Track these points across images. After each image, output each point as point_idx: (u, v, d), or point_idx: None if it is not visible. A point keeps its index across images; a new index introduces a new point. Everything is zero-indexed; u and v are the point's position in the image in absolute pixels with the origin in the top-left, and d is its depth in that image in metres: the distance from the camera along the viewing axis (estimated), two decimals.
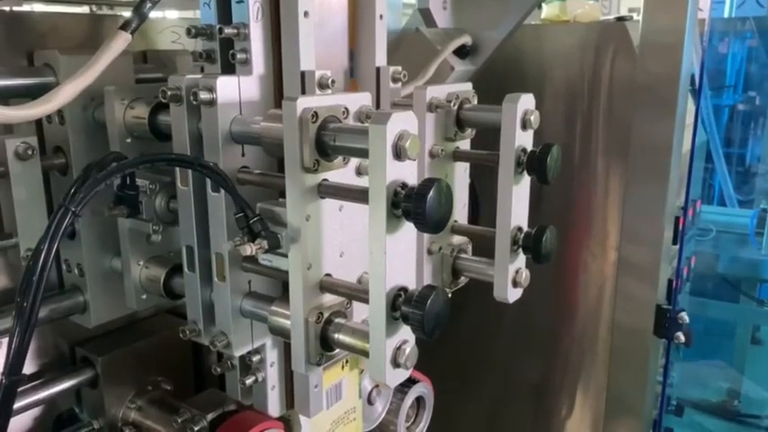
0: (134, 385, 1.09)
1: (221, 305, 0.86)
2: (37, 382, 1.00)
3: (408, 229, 0.69)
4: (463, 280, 1.05)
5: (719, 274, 3.37)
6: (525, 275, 0.98)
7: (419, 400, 1.34)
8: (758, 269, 3.37)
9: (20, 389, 0.70)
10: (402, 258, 0.70)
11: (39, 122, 0.97)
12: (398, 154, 0.66)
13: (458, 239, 1.05)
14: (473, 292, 1.06)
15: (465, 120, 0.98)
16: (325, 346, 0.77)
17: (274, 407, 0.96)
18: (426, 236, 0.98)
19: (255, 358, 0.92)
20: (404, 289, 0.71)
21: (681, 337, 1.38)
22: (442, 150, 0.97)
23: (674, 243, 1.48)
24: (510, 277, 0.96)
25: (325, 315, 0.77)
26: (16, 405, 0.72)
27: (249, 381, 0.92)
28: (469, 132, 1.01)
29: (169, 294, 0.96)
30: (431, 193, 0.66)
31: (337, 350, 0.78)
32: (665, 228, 1.39)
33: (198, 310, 0.88)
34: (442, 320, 0.71)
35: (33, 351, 1.05)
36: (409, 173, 0.68)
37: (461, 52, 1.43)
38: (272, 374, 0.94)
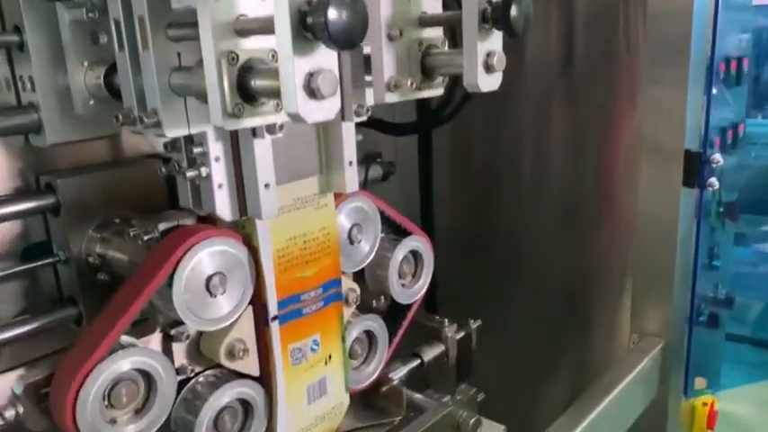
0: (99, 216, 1.04)
1: (148, 78, 0.79)
2: None
3: None
4: (440, 80, 0.94)
5: None
6: (499, 58, 0.86)
7: (416, 256, 1.25)
8: None
9: None
10: None
11: None
12: None
13: (430, 33, 0.93)
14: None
15: None
16: (243, 94, 0.69)
17: (224, 208, 0.88)
18: (383, 21, 0.88)
19: (197, 150, 0.85)
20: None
21: (715, 183, 1.22)
22: None
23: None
24: (481, 60, 0.85)
25: (242, 58, 0.69)
26: None
27: (191, 173, 0.85)
28: None
29: (111, 92, 0.90)
30: None
31: (260, 102, 0.70)
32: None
33: (131, 93, 0.82)
34: (360, 29, 0.61)
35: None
36: None
37: None
38: (219, 170, 0.86)
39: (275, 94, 0.66)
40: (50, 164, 1.05)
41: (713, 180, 1.22)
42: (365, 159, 1.60)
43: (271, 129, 0.82)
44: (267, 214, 0.88)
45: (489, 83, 0.87)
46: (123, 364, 0.82)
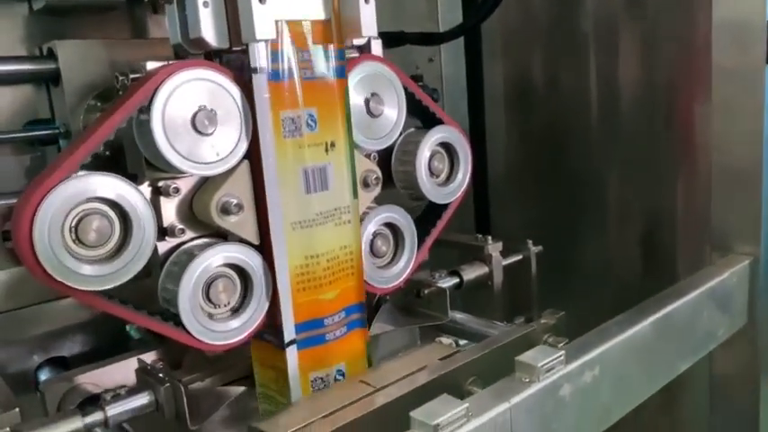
0: (101, 85, 0.98)
1: None
2: None
3: None
4: None
5: None
6: None
7: (450, 150, 1.11)
8: None
9: None
10: None
11: None
12: None
13: None
14: None
15: None
16: None
17: (209, 31, 0.79)
18: None
19: None
20: None
21: None
22: None
23: None
24: None
25: None
26: None
27: None
28: None
29: None
30: None
31: None
32: None
33: None
34: None
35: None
36: None
37: None
38: None
39: None
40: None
41: None
42: None
43: None
44: (262, 34, 0.77)
45: None
46: (86, 187, 0.72)
